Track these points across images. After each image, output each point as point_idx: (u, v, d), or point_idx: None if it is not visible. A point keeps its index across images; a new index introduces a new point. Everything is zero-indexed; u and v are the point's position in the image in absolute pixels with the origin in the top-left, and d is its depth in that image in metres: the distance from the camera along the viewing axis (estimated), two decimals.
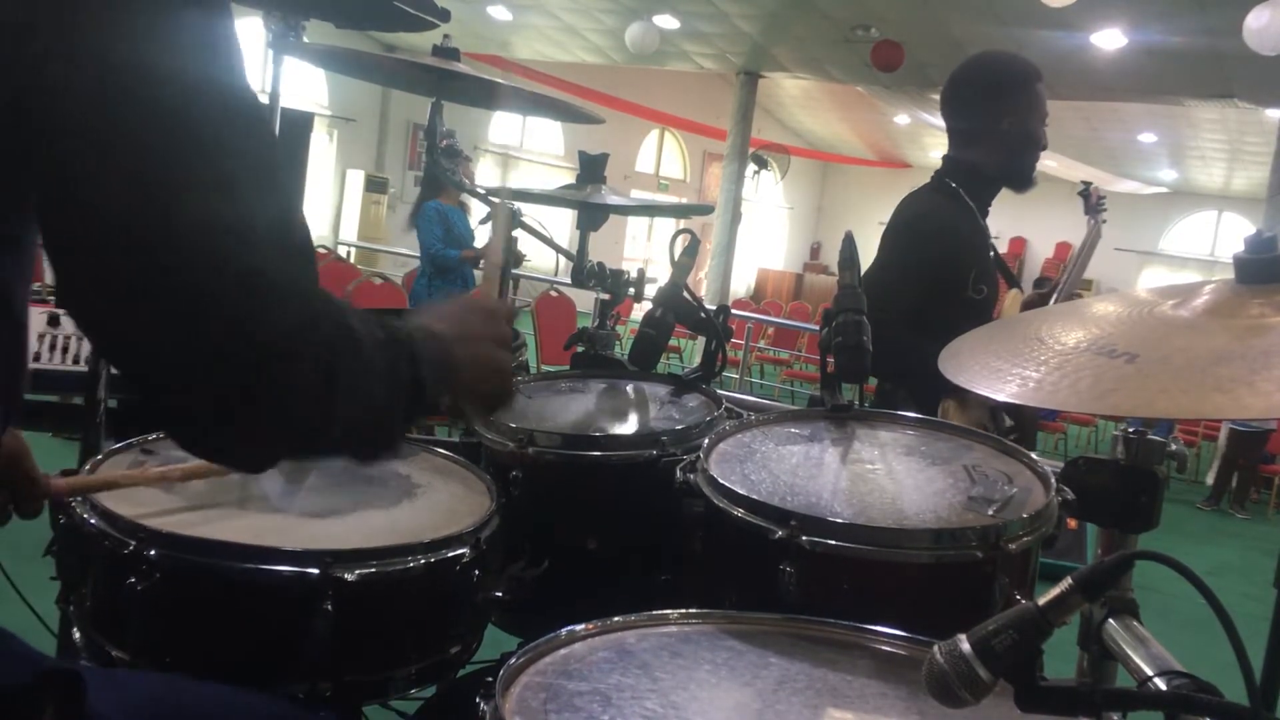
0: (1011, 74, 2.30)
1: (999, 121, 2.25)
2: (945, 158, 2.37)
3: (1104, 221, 2.81)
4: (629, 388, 1.69)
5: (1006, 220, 18.27)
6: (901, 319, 2.08)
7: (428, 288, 5.83)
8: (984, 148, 2.29)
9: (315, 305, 0.71)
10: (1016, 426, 2.24)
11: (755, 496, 1.14)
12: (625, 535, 1.39)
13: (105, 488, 1.18)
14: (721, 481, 1.17)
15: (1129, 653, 0.82)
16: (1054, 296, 2.64)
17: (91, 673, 0.83)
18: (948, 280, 2.20)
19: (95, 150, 0.61)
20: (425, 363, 0.81)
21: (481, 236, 5.67)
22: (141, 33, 0.62)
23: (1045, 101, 2.30)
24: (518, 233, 2.08)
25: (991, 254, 2.34)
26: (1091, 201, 2.80)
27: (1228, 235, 19.02)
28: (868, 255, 1.44)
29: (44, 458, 1.14)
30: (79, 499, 1.16)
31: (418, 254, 6.00)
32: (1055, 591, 0.72)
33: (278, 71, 2.13)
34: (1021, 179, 2.31)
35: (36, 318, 2.72)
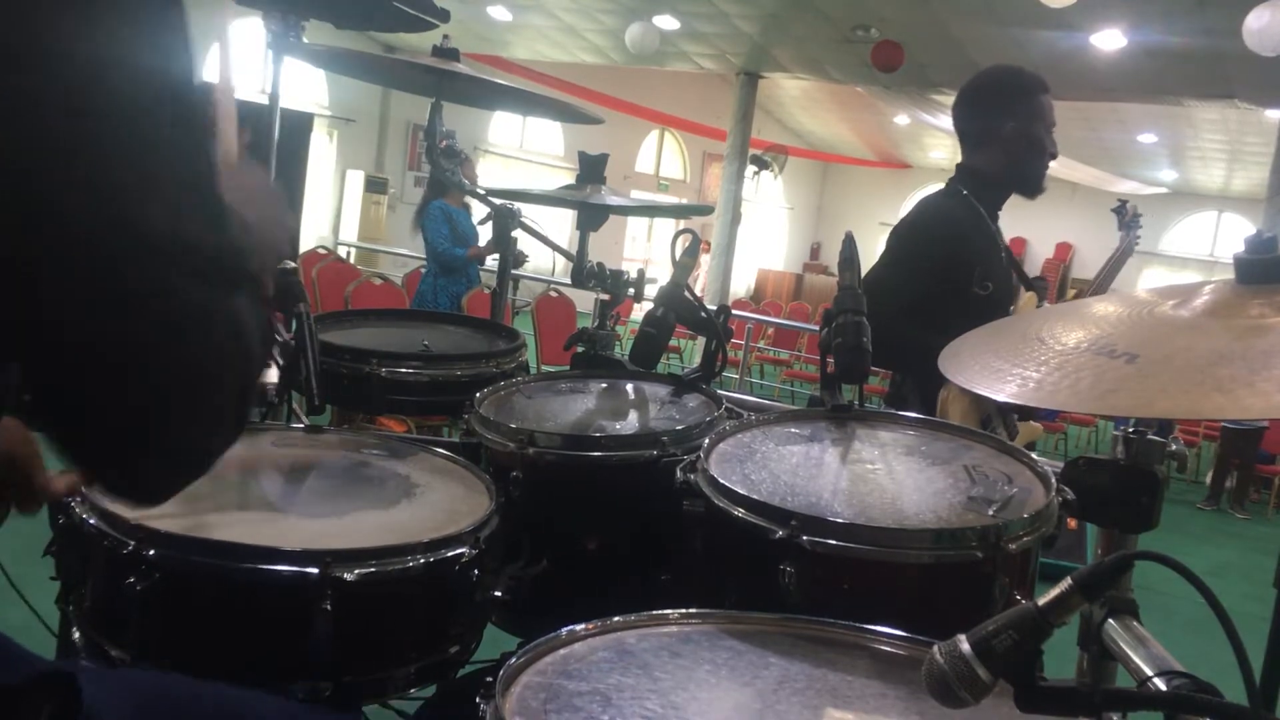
0: (1014, 83, 2.42)
1: (1001, 127, 2.36)
2: (957, 165, 2.48)
3: (1138, 239, 2.86)
4: (629, 388, 1.69)
5: (1007, 221, 18.08)
6: (905, 313, 2.16)
7: (434, 287, 5.84)
8: (988, 153, 2.40)
9: (230, 329, 0.65)
10: (1019, 416, 2.29)
11: (755, 496, 1.13)
12: (625, 535, 1.39)
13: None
14: (722, 481, 1.17)
15: (1129, 653, 0.82)
16: None
17: (88, 673, 0.83)
18: (951, 276, 2.29)
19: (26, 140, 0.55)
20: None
21: (484, 235, 5.68)
22: (62, 15, 0.55)
23: (1050, 111, 2.40)
24: (517, 233, 2.09)
25: (1003, 254, 2.42)
26: (1127, 217, 2.86)
27: (1228, 235, 19.03)
28: (867, 256, 1.45)
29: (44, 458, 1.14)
30: (78, 499, 1.16)
31: (417, 254, 6.02)
32: (1055, 591, 0.72)
33: (278, 71, 2.13)
34: (1027, 183, 2.41)
35: None
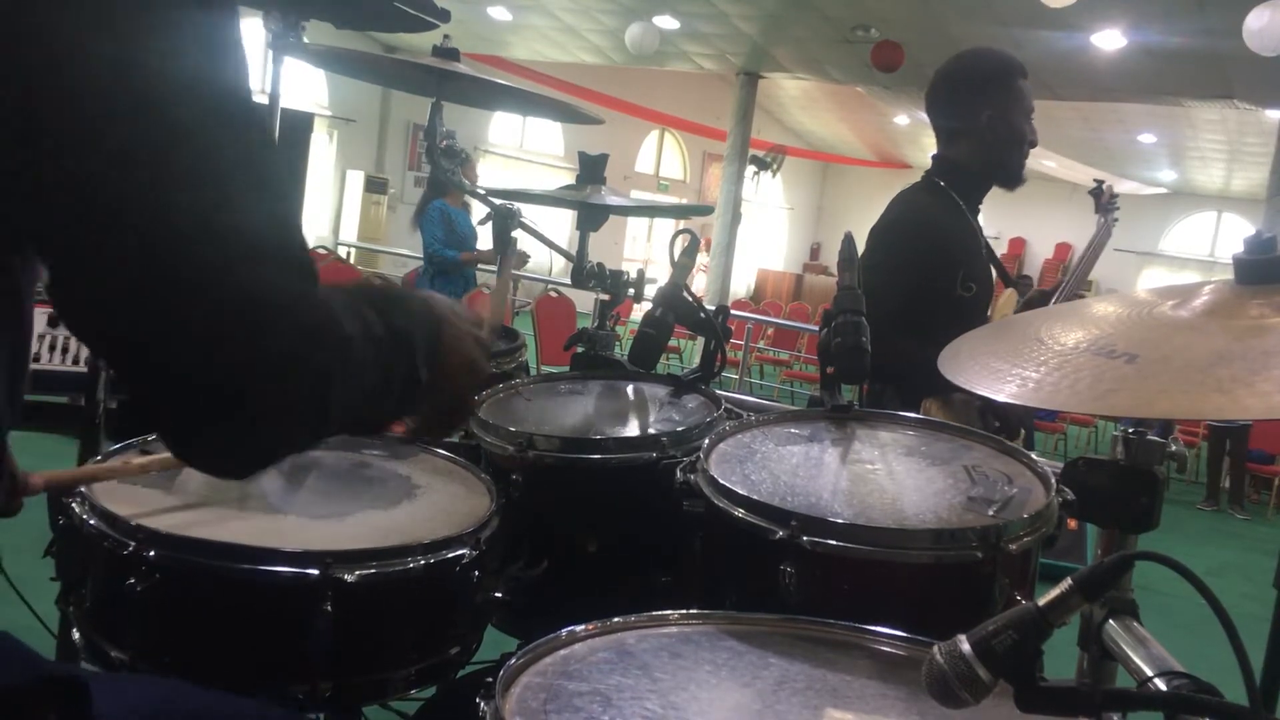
0: (989, 69, 2.31)
1: (977, 116, 2.25)
2: (933, 157, 2.38)
3: (1115, 221, 2.79)
4: (629, 389, 1.69)
5: (1006, 220, 18.24)
6: (887, 319, 2.07)
7: (428, 288, 5.85)
8: (966, 144, 2.30)
9: (316, 315, 0.71)
10: (1004, 428, 2.21)
11: (755, 497, 1.13)
12: (625, 536, 1.39)
13: (83, 481, 1.18)
14: (721, 482, 1.17)
15: (1129, 653, 0.82)
16: (1056, 295, 2.62)
17: (95, 678, 0.83)
18: (935, 279, 2.20)
19: (93, 153, 0.60)
20: (420, 350, 0.82)
21: (483, 236, 5.68)
22: (142, 32, 0.62)
23: (1029, 97, 2.29)
24: (518, 233, 2.09)
25: (984, 251, 2.33)
26: (1103, 200, 2.78)
27: (1227, 236, 19.04)
28: None
29: (43, 458, 1.14)
30: (78, 499, 1.16)
31: (417, 254, 6.02)
32: (1055, 592, 0.72)
33: (278, 71, 2.13)
34: (1007, 175, 2.31)
35: (37, 318, 2.74)
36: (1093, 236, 2.78)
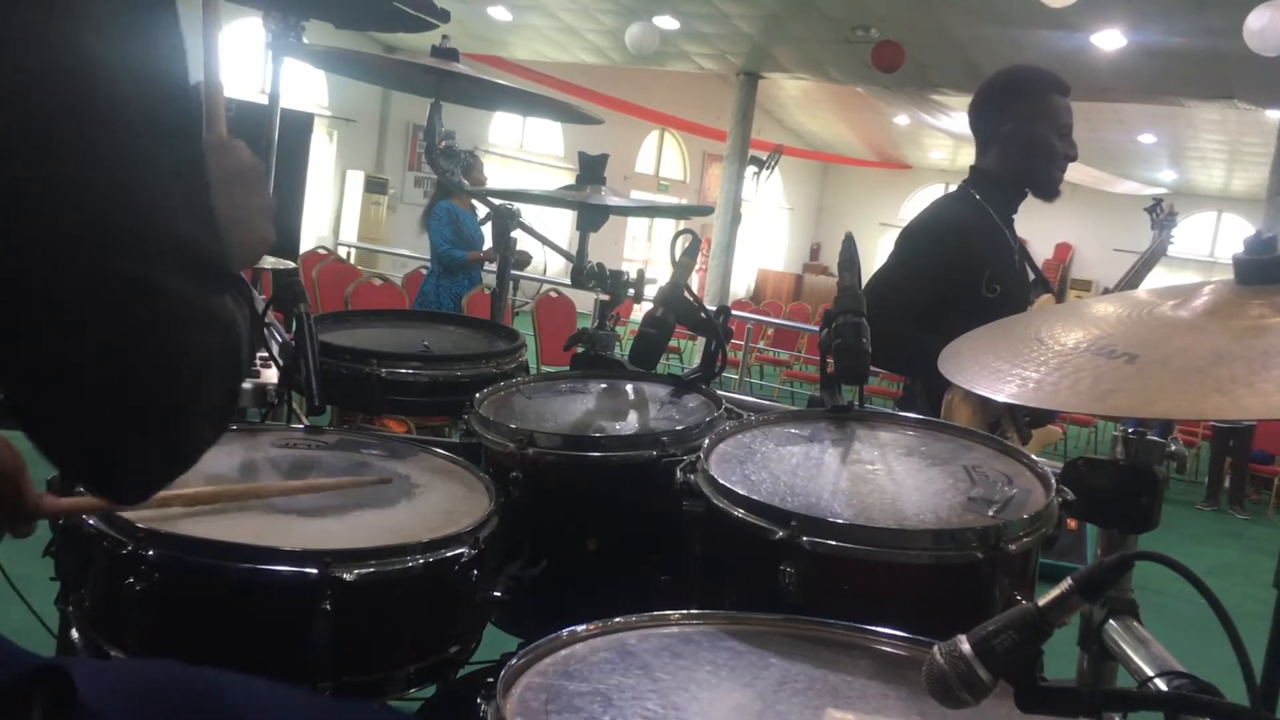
0: (1017, 82, 2.42)
1: (1000, 127, 2.37)
2: (969, 167, 2.49)
3: (1173, 240, 2.83)
4: (629, 388, 1.69)
5: None
6: (911, 314, 2.16)
7: (436, 288, 5.86)
8: (993, 153, 2.42)
9: (237, 319, 0.66)
10: (1032, 418, 2.29)
11: (755, 497, 1.13)
12: (625, 535, 1.39)
13: (98, 509, 1.16)
14: (721, 482, 1.17)
15: (1129, 653, 0.82)
16: None
17: (81, 665, 0.82)
18: (959, 279, 2.29)
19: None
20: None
21: (489, 237, 5.68)
22: (56, 17, 0.55)
23: (1062, 113, 2.38)
24: (518, 233, 2.09)
25: (1016, 257, 2.41)
26: (1160, 217, 2.83)
27: (1227, 236, 19.06)
28: (867, 256, 1.45)
29: (43, 460, 1.14)
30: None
31: (416, 255, 6.04)
32: (1055, 592, 0.72)
33: (278, 72, 2.13)
34: (1036, 183, 2.40)
35: None
36: (1147, 249, 2.82)
